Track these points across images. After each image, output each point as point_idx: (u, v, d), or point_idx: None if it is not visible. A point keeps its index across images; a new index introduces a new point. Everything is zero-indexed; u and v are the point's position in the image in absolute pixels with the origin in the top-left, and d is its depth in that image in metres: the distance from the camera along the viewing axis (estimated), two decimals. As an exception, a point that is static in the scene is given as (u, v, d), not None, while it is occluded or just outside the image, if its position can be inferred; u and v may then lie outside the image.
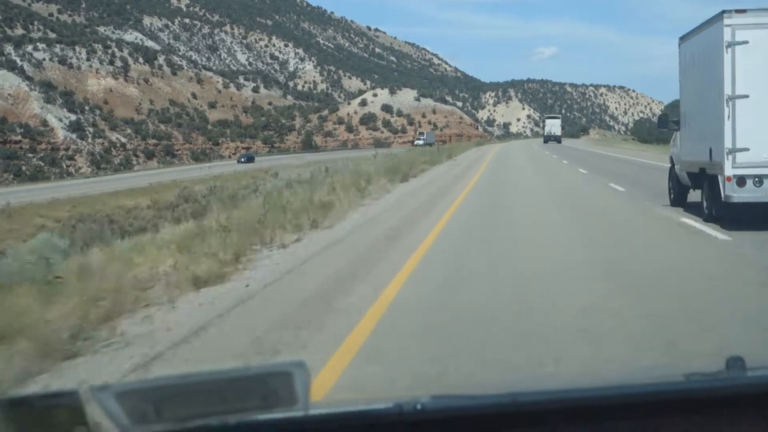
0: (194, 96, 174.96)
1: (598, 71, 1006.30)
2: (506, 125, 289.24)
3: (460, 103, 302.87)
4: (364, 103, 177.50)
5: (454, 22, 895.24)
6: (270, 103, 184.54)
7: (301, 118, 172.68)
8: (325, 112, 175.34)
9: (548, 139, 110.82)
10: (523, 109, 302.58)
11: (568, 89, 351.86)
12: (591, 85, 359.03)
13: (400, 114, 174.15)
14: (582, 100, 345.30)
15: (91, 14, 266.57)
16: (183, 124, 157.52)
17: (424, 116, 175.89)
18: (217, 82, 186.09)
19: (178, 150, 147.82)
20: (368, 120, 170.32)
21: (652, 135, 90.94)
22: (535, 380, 3.62)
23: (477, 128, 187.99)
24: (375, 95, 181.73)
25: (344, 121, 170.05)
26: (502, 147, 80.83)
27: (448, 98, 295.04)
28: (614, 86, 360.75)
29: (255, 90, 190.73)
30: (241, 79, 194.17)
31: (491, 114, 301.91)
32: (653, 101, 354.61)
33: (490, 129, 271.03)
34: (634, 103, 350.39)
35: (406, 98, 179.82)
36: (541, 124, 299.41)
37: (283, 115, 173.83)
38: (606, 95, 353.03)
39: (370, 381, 5.34)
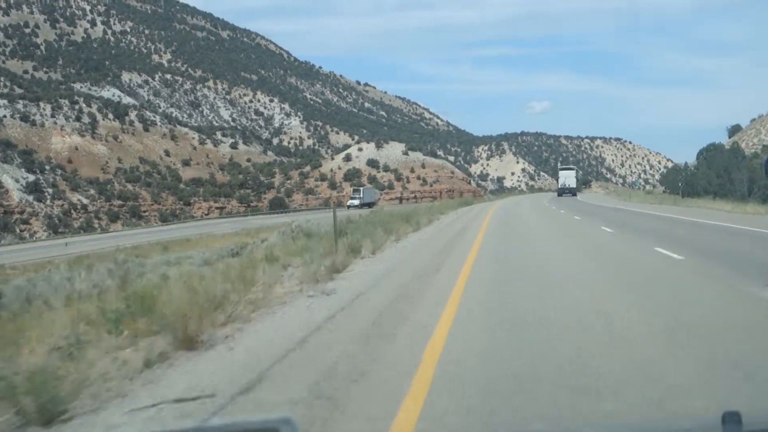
0: (167, 153, 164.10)
1: (591, 123, 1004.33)
2: (500, 179, 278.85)
3: (452, 158, 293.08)
4: (348, 158, 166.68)
5: (445, 78, 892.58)
6: (249, 160, 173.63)
7: (281, 175, 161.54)
8: (307, 169, 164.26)
9: (563, 192, 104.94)
10: (518, 162, 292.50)
11: (563, 142, 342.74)
12: (586, 137, 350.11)
13: (387, 169, 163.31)
14: (578, 153, 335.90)
15: (68, 71, 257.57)
16: (152, 183, 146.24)
17: (412, 171, 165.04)
18: (193, 138, 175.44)
19: (145, 211, 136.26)
20: (353, 176, 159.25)
21: (694, 186, 79.75)
22: None
23: (469, 183, 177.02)
24: (360, 149, 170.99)
25: (327, 177, 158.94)
26: (501, 208, 55.82)
27: (440, 152, 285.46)
28: (610, 138, 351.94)
29: (233, 146, 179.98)
30: (218, 135, 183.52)
31: (484, 168, 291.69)
32: (650, 153, 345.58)
33: (483, 183, 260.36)
34: (631, 155, 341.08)
35: (393, 152, 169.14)
36: (536, 178, 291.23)
37: (263, 172, 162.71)
38: (602, 147, 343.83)
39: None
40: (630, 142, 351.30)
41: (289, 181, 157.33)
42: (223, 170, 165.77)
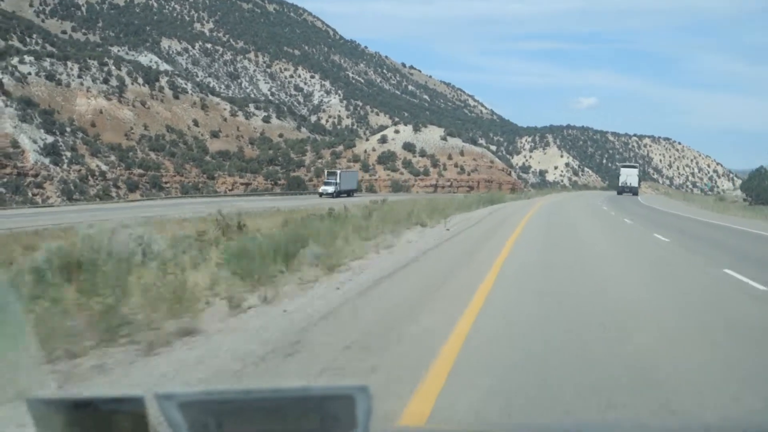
0: (196, 123, 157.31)
1: (639, 122, 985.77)
2: (542, 173, 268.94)
3: (494, 147, 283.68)
4: (384, 140, 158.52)
5: (494, 69, 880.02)
6: (281, 135, 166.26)
7: (313, 153, 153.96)
8: (340, 148, 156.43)
9: (623, 190, 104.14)
10: (561, 156, 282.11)
11: (610, 138, 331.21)
12: (634, 135, 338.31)
13: (423, 154, 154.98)
14: (624, 151, 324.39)
15: (107, 33, 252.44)
16: (177, 153, 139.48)
17: (450, 158, 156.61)
18: (225, 109, 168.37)
19: (166, 182, 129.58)
20: (387, 159, 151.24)
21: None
22: None
23: (510, 174, 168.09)
24: (397, 132, 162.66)
25: (360, 158, 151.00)
26: (544, 214, 39.06)
27: (481, 140, 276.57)
28: (659, 137, 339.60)
29: (266, 120, 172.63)
30: (251, 108, 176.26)
31: (527, 160, 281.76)
32: (700, 155, 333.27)
33: (524, 176, 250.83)
34: (679, 156, 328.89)
35: (431, 137, 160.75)
36: (579, 174, 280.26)
37: (294, 149, 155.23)
38: (650, 146, 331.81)
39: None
40: (679, 143, 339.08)
41: (320, 160, 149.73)
42: (252, 144, 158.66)
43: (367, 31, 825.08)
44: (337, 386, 1.65)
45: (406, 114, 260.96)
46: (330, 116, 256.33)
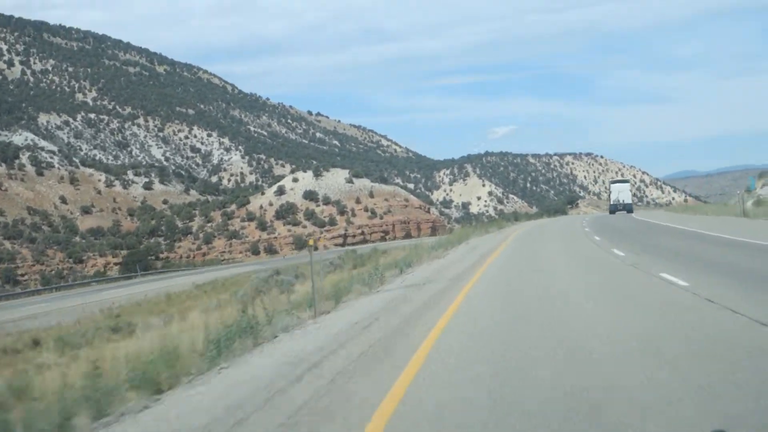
0: (64, 200, 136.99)
1: (558, 144, 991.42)
2: (465, 205, 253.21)
3: (412, 185, 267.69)
4: (281, 191, 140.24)
5: (412, 108, 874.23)
6: (165, 202, 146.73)
7: (201, 218, 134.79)
8: (232, 207, 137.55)
9: (616, 209, 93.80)
10: (483, 185, 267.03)
11: (531, 160, 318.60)
12: (555, 154, 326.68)
13: (327, 201, 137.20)
14: (547, 171, 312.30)
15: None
16: (37, 239, 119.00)
17: (358, 201, 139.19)
18: (99, 180, 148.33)
19: (23, 275, 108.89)
20: (286, 212, 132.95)
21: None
22: None
23: (428, 211, 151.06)
24: (296, 180, 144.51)
25: (255, 216, 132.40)
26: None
27: (398, 179, 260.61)
28: (581, 153, 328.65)
29: (147, 187, 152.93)
30: (130, 174, 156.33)
31: (447, 194, 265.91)
32: (624, 166, 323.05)
33: (447, 211, 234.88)
34: (603, 170, 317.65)
35: (335, 181, 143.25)
36: (504, 201, 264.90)
37: (179, 214, 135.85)
38: (573, 164, 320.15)
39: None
40: (602, 157, 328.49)
41: (209, 224, 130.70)
42: (132, 216, 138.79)
43: (275, 86, 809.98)
44: None
45: (314, 162, 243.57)
46: (232, 174, 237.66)
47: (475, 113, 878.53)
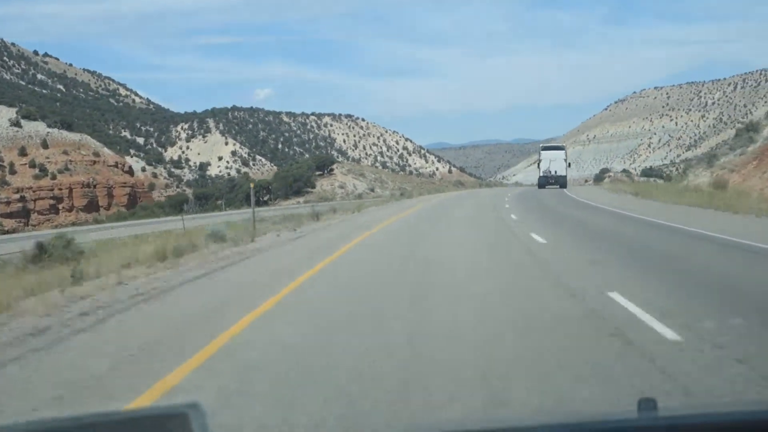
0: None
1: (317, 107, 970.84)
2: (203, 166, 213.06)
3: (141, 139, 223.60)
4: None
5: (171, 67, 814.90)
6: None
7: None
8: None
9: (546, 181, 78.25)
10: (227, 143, 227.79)
11: (285, 119, 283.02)
12: (313, 113, 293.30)
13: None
14: (303, 132, 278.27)
15: None
16: None
17: (25, 153, 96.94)
18: None
19: None
20: None
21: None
22: None
23: (130, 172, 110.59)
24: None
25: None
26: None
27: (125, 132, 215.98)
28: (340, 114, 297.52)
29: None
30: None
31: (184, 151, 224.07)
32: (387, 131, 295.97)
33: (177, 172, 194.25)
34: (365, 134, 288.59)
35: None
36: (251, 163, 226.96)
37: None
38: (331, 126, 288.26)
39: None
40: (363, 119, 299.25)
41: None
42: None
43: (28, 33, 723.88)
44: (169, 405, 1.51)
45: (31, 107, 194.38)
46: None
47: (235, 76, 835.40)
